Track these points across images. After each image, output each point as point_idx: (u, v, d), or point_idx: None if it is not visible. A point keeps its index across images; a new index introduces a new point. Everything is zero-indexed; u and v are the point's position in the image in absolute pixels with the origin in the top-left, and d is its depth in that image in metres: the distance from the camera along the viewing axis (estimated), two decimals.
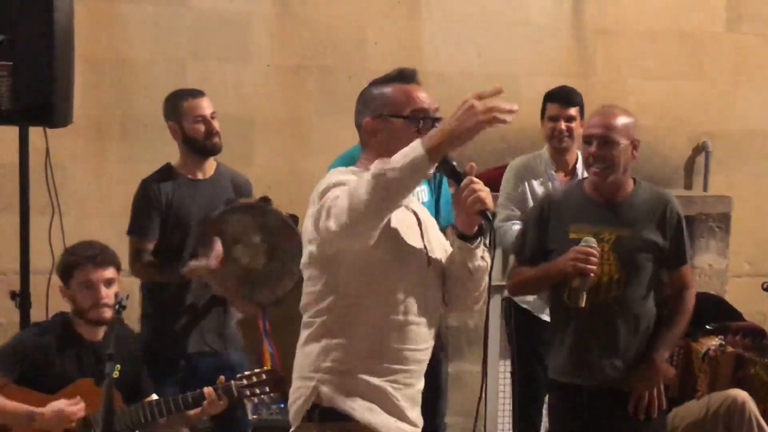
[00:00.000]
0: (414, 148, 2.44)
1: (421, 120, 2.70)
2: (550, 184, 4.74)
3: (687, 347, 4.43)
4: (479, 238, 2.71)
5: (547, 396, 4.85)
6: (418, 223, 2.78)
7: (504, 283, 5.26)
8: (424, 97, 2.75)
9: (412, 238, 2.73)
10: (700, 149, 6.17)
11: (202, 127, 4.21)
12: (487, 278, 2.79)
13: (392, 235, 2.66)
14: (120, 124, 5.53)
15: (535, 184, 4.74)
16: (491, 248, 2.72)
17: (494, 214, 4.50)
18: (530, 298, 4.68)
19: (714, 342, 4.62)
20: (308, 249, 2.72)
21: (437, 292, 2.82)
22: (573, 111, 4.71)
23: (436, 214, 4.10)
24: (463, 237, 2.72)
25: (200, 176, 4.29)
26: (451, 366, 5.41)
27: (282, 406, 3.73)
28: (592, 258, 3.55)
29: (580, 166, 4.77)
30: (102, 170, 5.50)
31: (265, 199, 4.13)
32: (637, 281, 3.63)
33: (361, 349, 2.70)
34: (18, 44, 3.87)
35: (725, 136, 6.21)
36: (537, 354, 4.72)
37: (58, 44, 3.94)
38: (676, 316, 3.74)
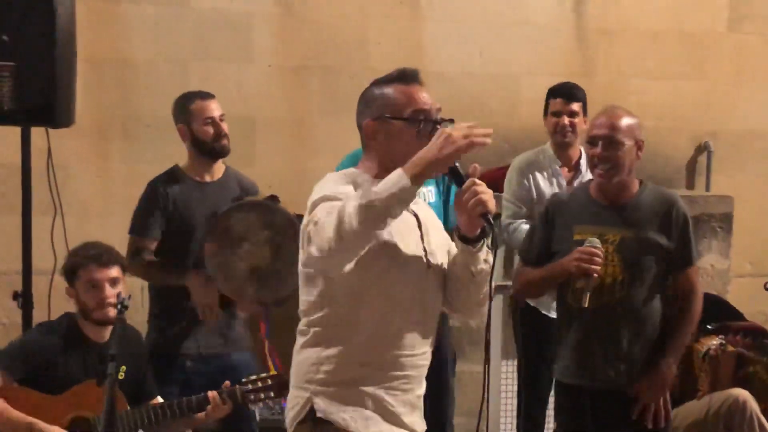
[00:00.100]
0: (400, 177, 2.48)
1: (421, 122, 2.68)
2: (554, 179, 4.75)
3: (688, 347, 4.42)
4: (482, 241, 2.69)
5: (553, 396, 4.88)
6: (418, 225, 2.76)
7: (506, 283, 5.27)
8: (425, 97, 2.72)
9: (410, 242, 2.71)
10: (702, 149, 6.17)
11: (210, 129, 4.21)
12: (491, 280, 2.76)
13: (388, 243, 2.64)
14: (122, 124, 5.54)
15: (539, 177, 4.74)
16: (494, 250, 2.69)
17: (498, 216, 4.52)
18: None
19: (714, 342, 4.62)
20: (303, 254, 2.71)
21: (437, 295, 2.79)
22: (576, 106, 4.72)
23: (445, 216, 4.11)
24: (465, 240, 2.69)
25: (208, 179, 4.29)
26: None
27: (284, 405, 3.71)
28: (596, 258, 3.54)
29: (583, 161, 4.78)
30: (104, 170, 5.51)
31: (273, 198, 4.13)
32: (641, 283, 3.62)
33: (355, 359, 2.68)
34: (20, 45, 3.88)
35: (727, 135, 6.21)
36: (542, 353, 4.72)
37: (60, 45, 3.94)
38: (683, 322, 3.71)
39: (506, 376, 5.44)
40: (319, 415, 2.71)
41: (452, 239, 2.78)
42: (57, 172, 4.30)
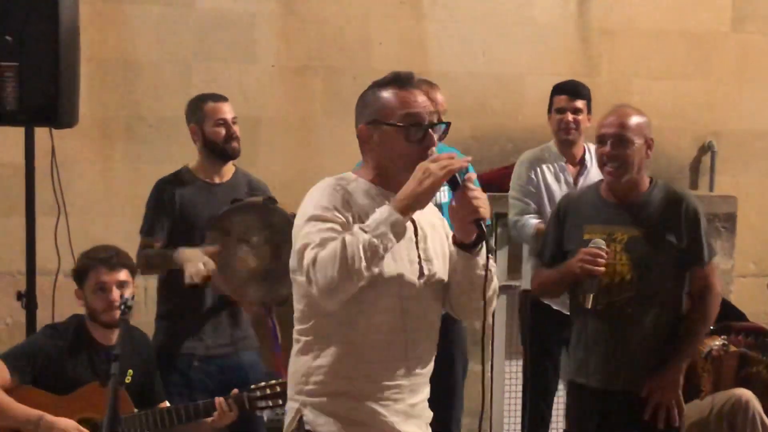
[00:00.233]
0: (390, 213, 2.52)
1: (410, 127, 2.65)
2: (561, 175, 4.75)
3: None
4: (478, 247, 2.64)
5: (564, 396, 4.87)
6: (414, 231, 2.70)
7: (510, 283, 5.28)
8: (417, 101, 2.68)
9: (402, 251, 2.66)
10: (706, 149, 6.17)
11: (222, 131, 4.21)
12: (493, 287, 2.73)
13: None
14: (125, 124, 5.54)
15: (547, 173, 4.74)
16: (488, 257, 2.64)
17: (503, 215, 4.49)
18: None
19: (717, 342, 4.61)
20: (293, 259, 2.69)
21: (434, 301, 2.75)
22: (580, 104, 4.72)
23: None
24: (461, 246, 2.66)
25: (217, 180, 4.29)
26: None
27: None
28: (600, 260, 3.53)
29: (587, 157, 4.78)
30: (107, 170, 5.51)
31: (271, 199, 4.13)
32: (650, 282, 3.58)
33: (343, 370, 2.66)
34: (23, 45, 3.88)
35: (731, 135, 6.20)
36: (550, 351, 4.72)
37: (64, 45, 3.94)
38: (695, 322, 3.67)
39: (510, 375, 5.44)
40: (307, 427, 2.70)
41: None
42: (60, 172, 4.30)
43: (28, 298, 4.17)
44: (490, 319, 5.15)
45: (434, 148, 2.66)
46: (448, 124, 2.75)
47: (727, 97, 6.19)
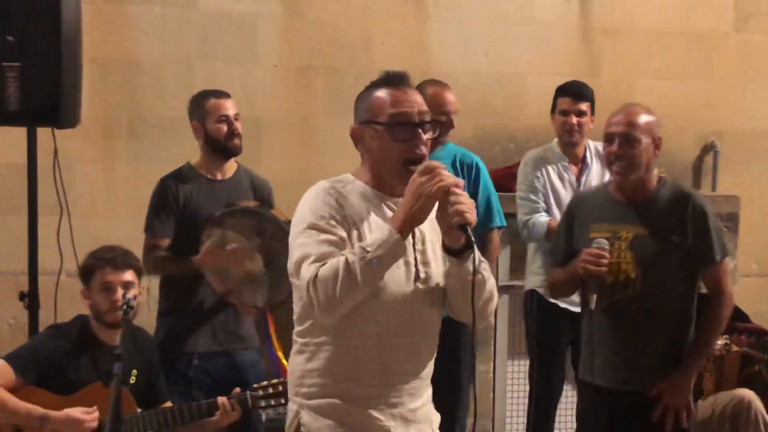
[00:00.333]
0: (390, 234, 2.53)
1: (397, 126, 2.65)
2: (565, 174, 4.75)
3: None
4: (468, 252, 2.61)
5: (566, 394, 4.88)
6: (412, 234, 2.66)
7: (512, 282, 5.28)
8: (407, 101, 2.67)
9: None
10: (709, 149, 6.16)
11: (224, 128, 4.22)
12: (489, 289, 2.70)
13: None
14: (128, 124, 5.54)
15: (552, 174, 4.75)
16: (473, 263, 2.60)
17: (511, 215, 4.47)
18: None
19: (719, 341, 4.62)
20: (291, 265, 2.69)
21: (433, 303, 2.73)
22: (584, 106, 4.72)
23: None
24: (449, 251, 2.64)
25: (219, 177, 4.29)
26: None
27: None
28: (602, 260, 3.53)
29: (588, 155, 4.79)
30: (110, 170, 5.51)
31: (265, 205, 4.14)
32: (655, 281, 3.55)
33: (338, 373, 2.66)
34: (26, 45, 3.88)
35: (733, 135, 6.20)
36: (557, 351, 4.71)
37: (66, 45, 3.94)
38: (706, 323, 3.62)
39: (512, 375, 5.44)
40: (303, 430, 2.70)
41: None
42: (63, 172, 4.30)
43: (31, 298, 4.18)
44: (492, 321, 5.18)
45: (424, 148, 2.66)
46: (440, 123, 2.73)
47: (730, 97, 6.19)
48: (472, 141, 5.55)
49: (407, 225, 2.55)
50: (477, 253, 2.62)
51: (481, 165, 4.55)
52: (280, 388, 3.72)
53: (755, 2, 6.19)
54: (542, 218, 4.65)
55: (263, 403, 3.73)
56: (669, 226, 3.58)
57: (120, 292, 3.64)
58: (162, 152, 5.29)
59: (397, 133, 2.65)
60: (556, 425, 4.97)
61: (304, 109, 5.70)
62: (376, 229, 2.62)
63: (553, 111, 4.80)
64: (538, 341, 4.77)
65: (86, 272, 3.73)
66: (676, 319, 3.59)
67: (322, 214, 2.63)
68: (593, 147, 4.83)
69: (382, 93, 2.70)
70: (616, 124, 3.61)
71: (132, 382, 3.68)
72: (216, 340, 4.21)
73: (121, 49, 5.50)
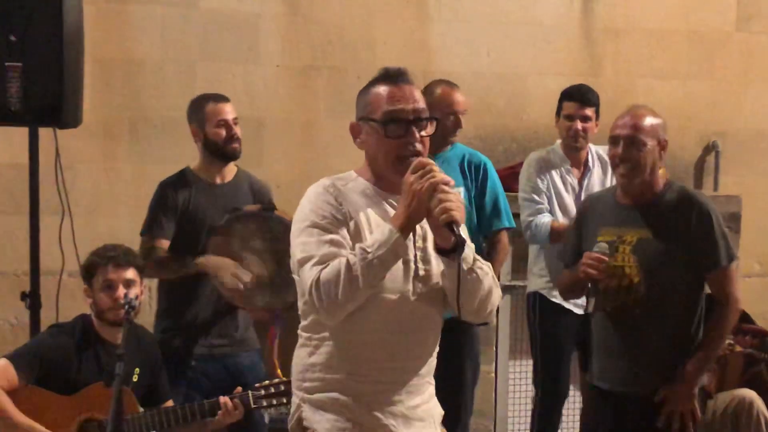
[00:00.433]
0: (390, 234, 2.53)
1: (389, 123, 2.65)
2: (567, 177, 4.75)
3: None
4: (458, 252, 2.58)
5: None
6: (413, 232, 2.66)
7: (513, 283, 5.27)
8: (401, 97, 2.67)
9: None
10: (710, 149, 6.15)
11: (223, 132, 4.21)
12: (486, 287, 2.68)
13: None
14: (129, 124, 5.54)
15: (555, 177, 4.74)
16: (457, 262, 2.58)
17: (514, 215, 4.46)
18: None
19: None
20: (293, 264, 2.71)
21: (433, 301, 2.72)
22: (589, 111, 4.70)
23: (477, 220, 4.08)
24: (440, 251, 2.62)
25: (219, 180, 4.28)
26: None
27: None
28: (601, 264, 3.53)
29: (590, 159, 4.78)
30: (111, 170, 5.51)
31: (269, 207, 4.13)
32: (658, 285, 3.52)
33: (339, 368, 2.67)
34: (27, 45, 3.88)
35: (735, 135, 6.19)
36: (561, 353, 4.70)
37: (68, 45, 3.94)
38: (711, 331, 3.58)
39: (514, 375, 5.44)
40: (305, 423, 2.72)
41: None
42: (65, 172, 4.30)
43: (32, 299, 4.17)
44: (494, 320, 5.16)
45: (418, 145, 2.65)
46: (436, 120, 2.72)
47: (732, 97, 6.18)
48: (475, 141, 5.54)
49: (406, 223, 2.55)
50: (470, 251, 2.63)
51: (490, 166, 4.54)
52: (282, 387, 3.72)
53: (757, 2, 6.19)
54: (545, 219, 4.64)
55: (265, 403, 3.73)
56: (673, 230, 3.55)
57: (122, 289, 3.64)
58: (164, 152, 5.28)
59: (390, 130, 2.65)
60: (561, 427, 4.97)
61: (306, 109, 5.69)
62: (375, 227, 2.63)
63: (558, 114, 4.78)
64: (542, 345, 4.75)
65: (88, 270, 3.73)
66: (680, 323, 3.56)
67: (323, 213, 2.64)
68: (595, 151, 4.82)
69: (378, 89, 2.70)
70: (622, 126, 3.58)
71: (134, 381, 3.67)
72: (215, 342, 4.21)
73: (122, 49, 5.50)
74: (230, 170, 4.31)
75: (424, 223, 2.67)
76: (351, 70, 5.68)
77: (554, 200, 4.72)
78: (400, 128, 2.65)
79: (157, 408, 3.70)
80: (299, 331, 2.78)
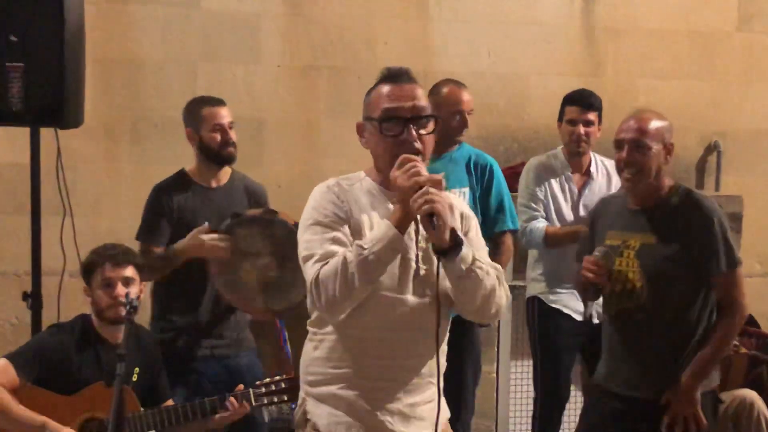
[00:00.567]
0: (387, 229, 2.56)
1: (385, 122, 2.66)
2: (567, 185, 4.73)
3: None
4: (456, 251, 2.60)
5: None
6: (415, 230, 2.68)
7: (514, 283, 5.27)
8: (401, 97, 2.68)
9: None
10: (712, 149, 6.15)
11: (218, 136, 4.20)
12: (488, 287, 2.68)
13: None
14: (131, 125, 5.55)
15: (554, 184, 4.73)
16: (437, 257, 2.60)
17: (518, 224, 4.46)
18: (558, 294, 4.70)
19: None
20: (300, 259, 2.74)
21: (431, 301, 2.72)
22: (592, 116, 4.68)
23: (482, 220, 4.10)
24: (438, 251, 2.62)
25: (214, 184, 4.28)
26: None
27: (293, 406, 3.73)
28: (600, 269, 3.53)
29: (594, 168, 4.76)
30: (113, 171, 5.51)
31: (270, 211, 4.12)
32: (660, 290, 3.49)
33: (339, 363, 2.71)
34: (29, 46, 3.88)
35: (737, 135, 6.19)
36: (560, 357, 4.70)
37: (69, 46, 3.94)
38: (714, 336, 3.50)
39: (516, 376, 5.44)
40: (308, 416, 2.77)
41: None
42: (66, 172, 4.30)
43: (34, 298, 4.17)
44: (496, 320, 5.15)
45: (415, 143, 2.65)
46: (434, 118, 2.73)
47: (733, 97, 6.18)
48: (476, 140, 5.53)
49: (400, 220, 2.56)
50: (469, 250, 2.62)
51: (496, 167, 4.55)
52: (283, 384, 3.73)
53: (758, 2, 6.18)
54: (540, 224, 4.64)
55: (266, 400, 3.73)
56: (675, 234, 3.51)
57: (120, 287, 3.65)
58: (165, 152, 5.29)
59: (386, 128, 2.67)
60: (563, 427, 4.97)
61: (306, 109, 5.70)
62: (377, 226, 2.64)
63: (560, 119, 4.75)
64: (542, 349, 4.75)
65: (87, 269, 3.74)
66: (684, 328, 3.52)
67: (326, 211, 2.67)
68: (600, 161, 4.80)
69: (380, 89, 2.73)
70: (626, 130, 3.55)
71: (134, 380, 3.68)
72: (212, 343, 4.21)
73: (124, 50, 5.50)
74: (225, 173, 4.31)
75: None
76: (351, 71, 5.69)
77: (551, 207, 4.71)
78: (397, 126, 2.66)
79: (157, 407, 3.70)
80: (307, 326, 2.82)
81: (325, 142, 5.65)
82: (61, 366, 3.62)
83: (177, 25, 5.56)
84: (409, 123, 2.65)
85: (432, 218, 2.51)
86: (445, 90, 4.44)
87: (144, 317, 4.17)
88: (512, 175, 5.10)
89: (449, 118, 4.33)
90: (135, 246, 4.11)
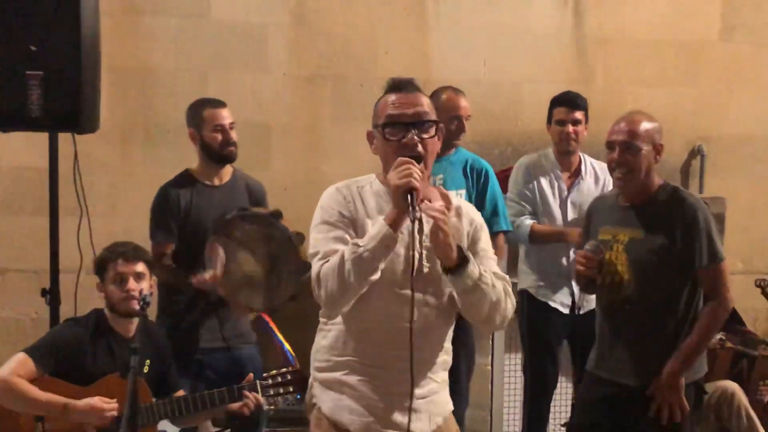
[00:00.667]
0: (381, 227, 2.58)
1: (386, 127, 2.70)
2: (556, 183, 4.75)
3: None
4: (463, 268, 2.63)
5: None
6: (419, 229, 2.67)
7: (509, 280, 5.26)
8: (404, 104, 2.71)
9: (400, 247, 2.67)
10: (696, 153, 6.15)
11: (219, 136, 4.22)
12: (494, 298, 2.70)
13: None
14: (144, 130, 5.55)
15: (543, 180, 4.74)
16: (414, 233, 2.61)
17: (511, 226, 4.48)
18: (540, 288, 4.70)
19: (716, 336, 4.63)
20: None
21: (435, 297, 2.75)
22: (579, 114, 4.71)
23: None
24: (446, 269, 2.66)
25: (217, 182, 4.29)
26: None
27: (299, 397, 3.72)
28: (590, 262, 3.55)
29: (583, 168, 4.78)
30: (128, 174, 5.52)
31: (276, 214, 4.12)
32: (646, 283, 3.51)
33: (342, 351, 2.75)
34: (47, 55, 3.88)
35: (720, 140, 6.19)
36: (548, 347, 4.71)
37: (86, 55, 3.94)
38: (696, 328, 3.50)
39: (510, 368, 5.44)
40: (314, 401, 2.81)
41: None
42: (83, 175, 4.31)
43: (52, 295, 4.19)
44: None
45: (416, 147, 2.67)
46: (433, 123, 2.74)
47: (716, 104, 6.18)
48: (472, 145, 5.54)
49: (395, 217, 2.58)
50: (474, 267, 2.64)
51: (491, 171, 4.57)
52: (289, 376, 3.73)
53: (740, 14, 6.18)
54: (527, 221, 4.67)
55: (272, 392, 3.73)
56: (661, 230, 3.53)
57: (132, 282, 3.67)
58: (177, 156, 5.27)
59: (389, 133, 2.70)
60: (552, 418, 4.98)
61: (311, 115, 5.70)
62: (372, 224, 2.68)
63: (549, 121, 4.78)
64: (530, 339, 4.77)
65: (100, 265, 3.76)
66: (670, 319, 3.53)
67: (332, 212, 2.72)
68: (590, 163, 4.81)
69: (386, 98, 2.76)
70: (618, 132, 3.57)
71: (146, 372, 3.68)
72: (217, 336, 4.22)
73: (138, 59, 5.51)
74: (227, 172, 4.32)
75: (429, 225, 2.69)
76: (354, 79, 5.69)
77: (539, 205, 4.72)
78: (398, 131, 2.68)
79: (168, 397, 3.71)
80: (320, 317, 2.85)
81: (328, 146, 5.65)
82: (77, 358, 3.63)
83: (188, 35, 5.57)
84: (410, 128, 2.68)
85: (409, 195, 2.54)
86: (443, 96, 4.46)
87: (152, 310, 4.18)
88: (506, 178, 5.10)
89: (447, 123, 4.34)
90: (147, 245, 4.12)
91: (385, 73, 5.33)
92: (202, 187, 4.25)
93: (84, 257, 4.24)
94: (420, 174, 2.57)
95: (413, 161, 2.61)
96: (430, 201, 2.75)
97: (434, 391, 2.84)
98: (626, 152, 3.53)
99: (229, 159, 4.26)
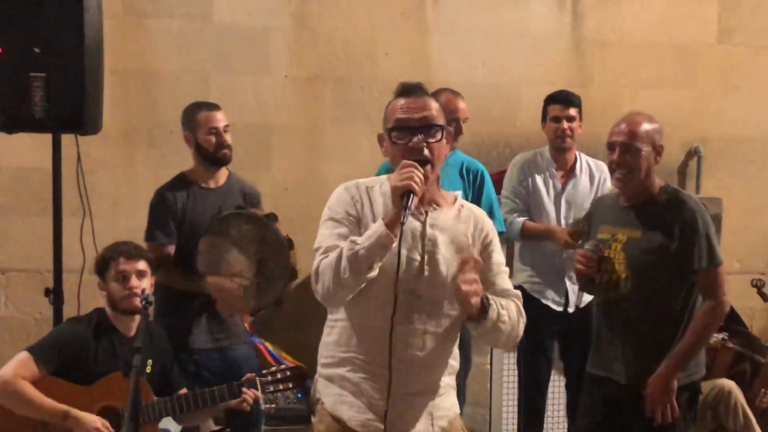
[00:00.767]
0: (378, 227, 2.60)
1: (392, 130, 2.73)
2: (550, 180, 4.75)
3: None
4: (484, 317, 2.69)
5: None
6: (421, 233, 2.73)
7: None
8: (411, 108, 2.73)
9: (403, 248, 2.67)
10: (693, 154, 6.15)
11: (213, 139, 4.21)
12: (508, 330, 2.80)
13: None
14: (147, 131, 5.55)
15: (537, 178, 4.75)
16: (401, 225, 2.62)
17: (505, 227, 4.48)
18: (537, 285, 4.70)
19: (718, 335, 4.63)
20: None
21: (440, 299, 2.75)
22: (573, 111, 4.71)
23: None
24: (470, 319, 2.72)
25: (212, 185, 4.29)
26: None
27: (300, 396, 3.72)
28: (589, 261, 3.55)
29: (578, 166, 4.77)
30: (130, 175, 5.52)
31: (271, 216, 4.11)
32: (643, 282, 3.50)
33: (345, 347, 2.76)
34: (51, 57, 3.89)
35: (716, 141, 6.19)
36: (542, 345, 4.71)
37: (89, 57, 3.95)
38: (690, 329, 3.48)
39: (508, 367, 5.43)
40: (317, 395, 2.83)
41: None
42: (86, 176, 4.31)
43: (55, 295, 4.19)
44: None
45: (423, 150, 2.69)
46: (440, 127, 2.74)
47: (713, 106, 6.18)
48: (470, 146, 5.54)
49: (393, 218, 2.60)
50: (493, 311, 2.71)
51: (486, 174, 4.57)
52: (288, 373, 3.73)
53: (737, 17, 6.19)
54: (519, 218, 4.69)
55: (271, 388, 3.73)
56: (659, 230, 3.52)
57: (134, 279, 3.66)
58: (179, 157, 5.27)
59: (397, 137, 2.73)
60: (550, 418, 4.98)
61: (312, 116, 5.70)
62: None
63: (544, 120, 4.78)
64: (525, 334, 4.75)
65: (102, 264, 3.75)
66: (666, 319, 3.52)
67: (338, 209, 2.75)
68: (585, 161, 4.81)
69: (395, 103, 2.78)
70: (618, 133, 3.57)
71: (147, 371, 3.68)
72: (212, 337, 4.20)
73: (140, 61, 5.51)
74: (222, 174, 4.32)
75: (438, 237, 2.75)
76: (355, 81, 5.69)
77: (534, 201, 4.73)
78: (406, 135, 2.70)
79: (170, 396, 3.70)
80: (328, 312, 2.88)
81: (329, 147, 5.65)
82: (79, 355, 3.62)
83: (190, 37, 5.57)
84: (416, 131, 2.69)
85: (406, 196, 2.57)
86: (441, 98, 4.45)
87: (151, 308, 4.18)
88: (502, 180, 5.10)
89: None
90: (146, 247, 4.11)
91: (385, 75, 5.37)
92: (197, 189, 4.25)
93: (87, 257, 4.24)
94: (421, 178, 2.60)
95: (417, 165, 2.62)
96: (438, 204, 2.80)
97: (438, 394, 2.83)
98: (626, 153, 3.53)
99: (224, 161, 4.26)
